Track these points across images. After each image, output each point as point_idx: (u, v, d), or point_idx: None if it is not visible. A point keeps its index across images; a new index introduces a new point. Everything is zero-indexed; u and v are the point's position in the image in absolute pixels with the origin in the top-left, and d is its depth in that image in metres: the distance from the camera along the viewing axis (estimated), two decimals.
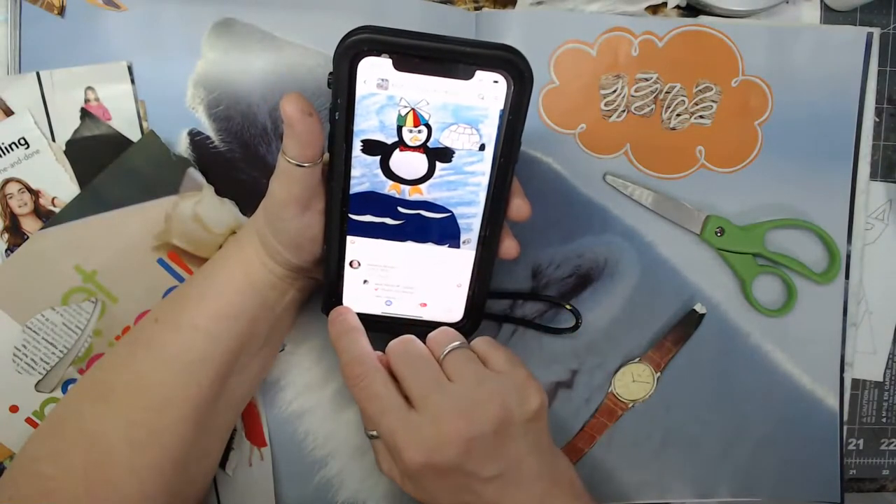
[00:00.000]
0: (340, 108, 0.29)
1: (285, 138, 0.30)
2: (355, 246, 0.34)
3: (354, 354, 0.33)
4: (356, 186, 0.32)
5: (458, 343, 0.33)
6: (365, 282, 0.35)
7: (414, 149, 0.31)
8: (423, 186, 0.32)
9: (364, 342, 0.34)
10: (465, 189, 0.32)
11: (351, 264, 0.34)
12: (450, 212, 0.33)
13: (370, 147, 0.31)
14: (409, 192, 0.32)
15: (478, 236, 0.34)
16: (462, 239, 0.34)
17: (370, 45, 0.28)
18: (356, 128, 0.30)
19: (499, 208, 0.33)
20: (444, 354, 0.33)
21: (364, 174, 0.31)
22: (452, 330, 0.35)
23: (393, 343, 0.34)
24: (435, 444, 0.30)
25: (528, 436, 0.32)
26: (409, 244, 0.34)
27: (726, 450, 0.45)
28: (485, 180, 0.32)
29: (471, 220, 0.33)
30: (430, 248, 0.34)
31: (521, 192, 0.34)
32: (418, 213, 0.33)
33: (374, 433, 0.33)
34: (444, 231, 0.33)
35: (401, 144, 0.31)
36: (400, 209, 0.33)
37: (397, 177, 0.32)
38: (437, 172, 0.31)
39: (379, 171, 0.31)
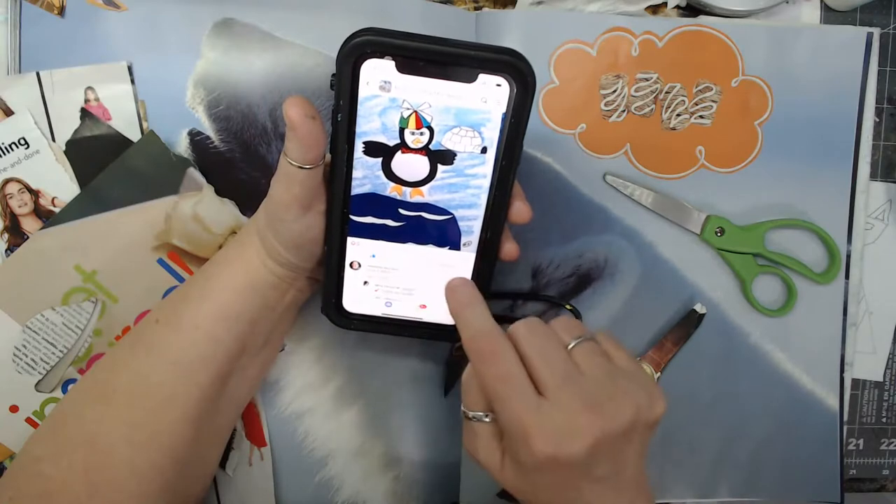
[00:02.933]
0: (343, 109, 0.29)
1: (287, 140, 0.30)
2: (356, 247, 0.34)
3: (483, 328, 0.31)
4: (358, 188, 0.32)
5: (588, 334, 0.32)
6: (365, 283, 0.35)
7: (416, 151, 0.31)
8: (424, 189, 0.32)
9: (490, 316, 0.32)
10: (466, 192, 0.32)
11: (351, 265, 0.34)
12: (451, 214, 0.33)
13: (372, 149, 0.31)
14: (410, 195, 0.32)
15: (478, 239, 0.34)
16: (463, 241, 0.34)
17: (373, 47, 0.28)
18: (358, 129, 0.30)
19: (500, 211, 0.33)
20: (574, 345, 0.31)
21: (366, 175, 0.31)
22: (577, 320, 0.34)
23: (519, 324, 0.32)
24: (568, 436, 0.28)
25: (642, 440, 0.31)
26: (410, 246, 0.34)
27: (726, 450, 0.45)
28: (486, 183, 0.32)
29: (472, 223, 0.33)
30: (430, 250, 0.34)
31: (522, 196, 0.34)
32: (419, 216, 0.33)
33: (479, 415, 0.31)
34: (444, 233, 0.33)
35: (403, 146, 0.31)
36: (401, 211, 0.33)
37: (399, 179, 0.31)
38: (438, 175, 0.31)
39: (380, 173, 0.31)
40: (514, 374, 0.30)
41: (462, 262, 0.34)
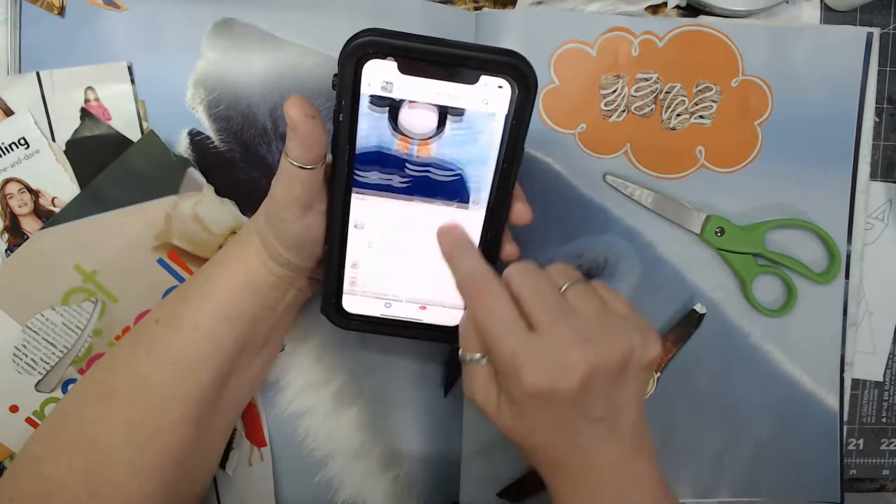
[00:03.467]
0: (344, 110, 0.29)
1: (288, 140, 0.30)
2: (356, 249, 0.34)
3: (473, 268, 0.32)
4: (362, 147, 0.31)
5: (580, 277, 0.32)
6: (362, 282, 0.35)
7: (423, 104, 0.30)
8: (431, 149, 0.31)
9: (481, 256, 0.32)
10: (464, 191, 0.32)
11: (352, 265, 0.34)
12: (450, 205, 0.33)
13: (378, 102, 0.29)
14: (416, 154, 0.31)
15: (478, 241, 0.34)
16: None
17: (375, 47, 0.28)
18: (360, 130, 0.30)
19: (500, 212, 0.33)
20: (568, 286, 0.32)
21: (371, 130, 0.30)
22: (572, 266, 0.34)
23: (512, 267, 0.32)
24: (559, 369, 0.28)
25: (637, 385, 0.31)
26: (411, 239, 0.34)
27: (726, 449, 0.45)
28: (487, 185, 0.32)
29: (472, 225, 0.33)
30: (430, 246, 0.34)
31: (522, 197, 0.34)
32: (425, 174, 0.32)
33: (476, 357, 0.32)
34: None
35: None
36: (407, 170, 0.32)
37: (406, 131, 0.30)
38: (441, 167, 0.31)
39: (387, 129, 0.30)
40: (504, 311, 0.30)
41: None
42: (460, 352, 0.33)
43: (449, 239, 0.33)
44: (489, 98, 0.29)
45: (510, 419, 0.31)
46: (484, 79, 0.29)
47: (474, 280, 0.31)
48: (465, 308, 0.33)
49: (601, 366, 0.29)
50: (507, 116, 0.30)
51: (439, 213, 0.33)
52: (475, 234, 0.33)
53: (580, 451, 0.30)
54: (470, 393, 0.33)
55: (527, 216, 0.33)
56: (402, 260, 0.34)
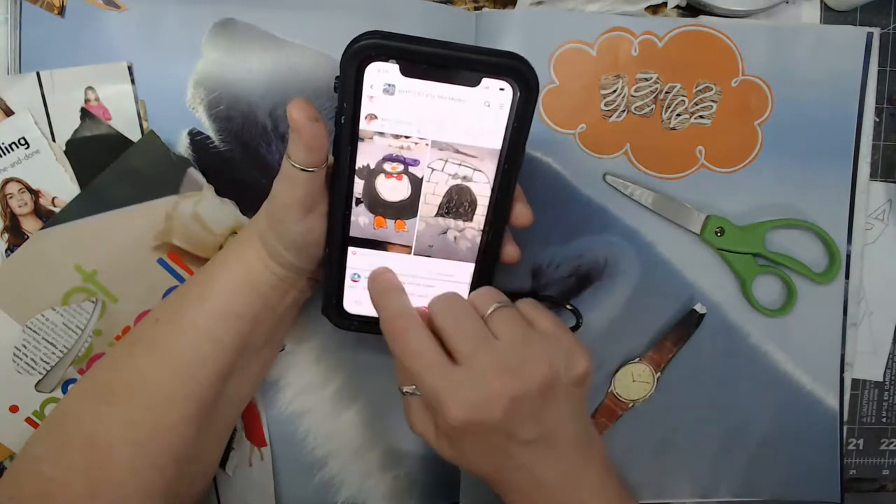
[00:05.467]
0: (346, 112, 0.29)
1: (290, 143, 0.30)
2: (356, 256, 0.34)
3: (396, 310, 0.32)
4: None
5: (503, 301, 0.33)
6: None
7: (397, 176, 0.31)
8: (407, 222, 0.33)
9: (406, 299, 0.33)
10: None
11: (353, 279, 0.34)
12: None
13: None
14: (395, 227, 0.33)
15: (479, 243, 0.34)
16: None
17: (377, 50, 0.28)
18: (360, 131, 0.30)
19: (501, 215, 0.33)
20: (490, 312, 0.32)
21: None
22: (496, 289, 0.34)
23: (436, 299, 0.33)
24: (480, 401, 0.29)
25: (569, 401, 0.31)
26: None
27: (726, 450, 0.45)
28: (487, 189, 0.32)
29: (473, 227, 0.33)
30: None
31: (523, 199, 0.34)
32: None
33: (410, 389, 0.32)
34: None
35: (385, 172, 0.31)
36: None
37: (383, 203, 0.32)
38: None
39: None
40: (424, 348, 0.31)
41: (462, 265, 0.34)
42: (397, 384, 0.33)
43: (376, 286, 0.34)
44: (490, 100, 0.29)
45: (448, 449, 0.32)
46: (486, 81, 0.29)
47: (395, 321, 0.32)
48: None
49: (523, 392, 0.29)
50: (508, 119, 0.30)
51: None
52: (475, 236, 0.33)
53: (525, 471, 0.31)
54: (410, 423, 0.34)
55: (527, 218, 0.33)
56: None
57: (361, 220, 0.33)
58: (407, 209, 0.33)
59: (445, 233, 0.33)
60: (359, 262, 0.34)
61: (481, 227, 0.33)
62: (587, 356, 0.32)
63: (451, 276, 0.35)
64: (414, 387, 0.32)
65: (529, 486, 0.31)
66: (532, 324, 0.32)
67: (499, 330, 0.31)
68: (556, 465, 0.31)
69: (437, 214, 0.33)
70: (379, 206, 0.32)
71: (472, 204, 0.32)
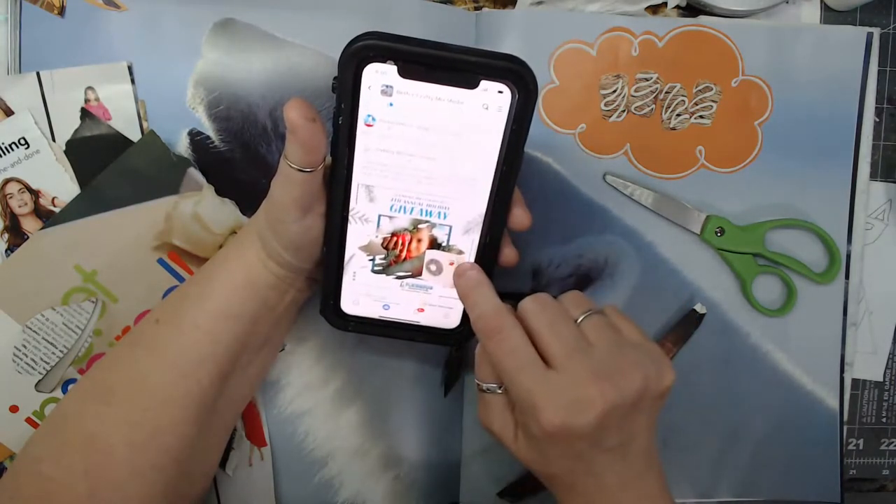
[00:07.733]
0: (344, 112, 0.29)
1: (288, 143, 0.30)
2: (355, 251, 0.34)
3: (489, 307, 0.32)
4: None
5: (596, 308, 0.33)
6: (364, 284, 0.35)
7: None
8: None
9: (496, 296, 0.33)
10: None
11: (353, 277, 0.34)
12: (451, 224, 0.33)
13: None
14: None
15: (477, 245, 0.34)
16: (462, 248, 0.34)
17: (376, 51, 0.28)
18: (359, 132, 0.30)
19: (500, 218, 0.33)
20: (583, 318, 0.32)
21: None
22: (583, 294, 0.34)
23: (527, 300, 0.32)
24: (576, 407, 0.29)
25: (651, 413, 0.31)
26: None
27: (726, 450, 0.45)
28: (486, 190, 0.32)
29: (471, 229, 0.33)
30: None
31: (521, 202, 0.33)
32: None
33: (491, 387, 0.32)
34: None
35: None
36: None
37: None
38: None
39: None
40: (520, 348, 0.30)
41: None
42: (475, 379, 0.33)
43: (464, 280, 0.33)
44: (489, 103, 0.29)
45: (527, 450, 0.31)
46: (484, 83, 0.29)
47: (489, 319, 0.32)
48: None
49: (618, 402, 0.29)
50: (506, 121, 0.30)
51: None
52: (474, 238, 0.33)
53: (595, 476, 0.31)
54: (486, 421, 0.33)
55: (526, 221, 0.33)
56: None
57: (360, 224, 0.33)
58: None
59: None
60: (357, 261, 0.34)
61: (479, 229, 0.33)
62: (672, 370, 0.32)
63: (450, 278, 0.35)
64: (495, 384, 0.32)
65: (594, 489, 0.31)
66: (619, 331, 0.32)
67: (592, 336, 0.31)
68: (623, 471, 0.31)
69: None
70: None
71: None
